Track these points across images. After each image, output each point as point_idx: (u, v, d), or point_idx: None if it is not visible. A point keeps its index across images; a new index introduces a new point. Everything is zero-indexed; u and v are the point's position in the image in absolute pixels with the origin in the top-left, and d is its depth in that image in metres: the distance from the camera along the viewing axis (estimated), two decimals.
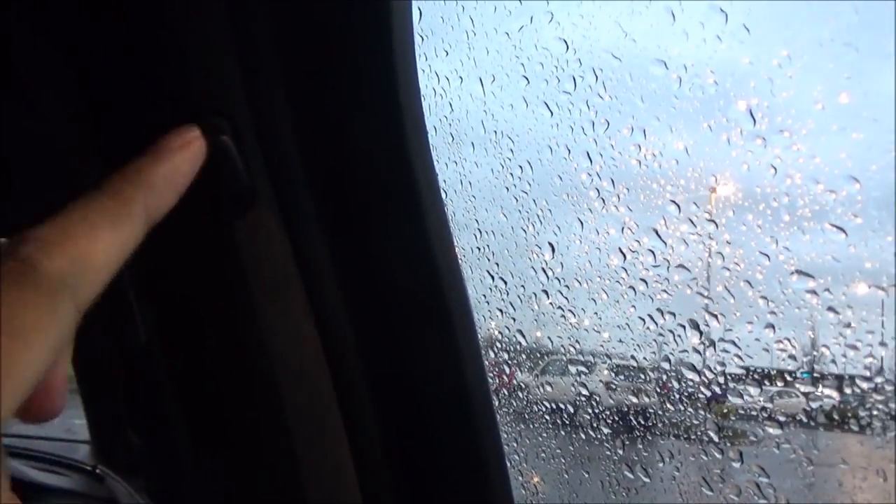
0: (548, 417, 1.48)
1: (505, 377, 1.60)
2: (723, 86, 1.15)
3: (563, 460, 1.35)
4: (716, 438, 1.47)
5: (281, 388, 0.69)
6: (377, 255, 0.73)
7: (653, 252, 1.33)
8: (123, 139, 0.62)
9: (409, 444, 0.76)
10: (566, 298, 1.40)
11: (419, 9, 0.99)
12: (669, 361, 1.53)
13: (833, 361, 1.60)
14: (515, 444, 1.38)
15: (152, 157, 0.44)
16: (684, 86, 1.14)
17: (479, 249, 1.37)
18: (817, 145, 1.15)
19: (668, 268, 1.30)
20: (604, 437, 1.36)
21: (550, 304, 1.41)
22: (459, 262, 0.80)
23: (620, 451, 1.25)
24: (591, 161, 1.26)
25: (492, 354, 1.56)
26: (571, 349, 1.50)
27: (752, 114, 1.14)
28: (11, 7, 0.63)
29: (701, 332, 1.51)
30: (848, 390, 1.50)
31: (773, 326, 1.41)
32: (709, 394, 1.67)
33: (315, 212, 0.70)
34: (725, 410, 1.66)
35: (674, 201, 1.27)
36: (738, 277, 1.44)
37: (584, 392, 1.51)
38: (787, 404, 1.85)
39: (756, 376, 1.76)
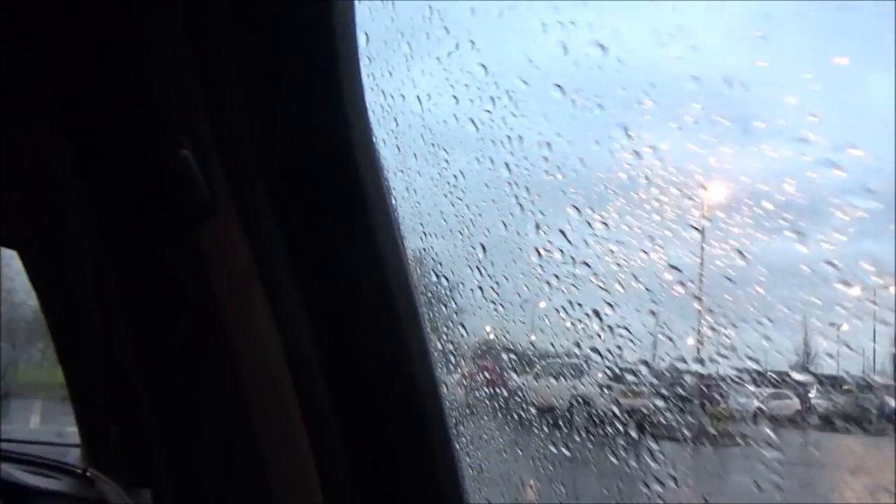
0: (541, 420, 1.49)
1: (498, 382, 1.62)
2: (608, 108, 1.32)
3: (556, 463, 1.36)
4: (708, 441, 1.48)
5: (245, 386, 0.73)
6: (332, 257, 0.77)
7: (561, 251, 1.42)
8: (94, 150, 0.67)
9: (364, 433, 0.79)
10: (496, 293, 1.53)
11: (366, 34, 1.10)
12: (665, 362, 1.55)
13: (826, 362, 1.61)
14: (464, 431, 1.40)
15: None
16: (577, 107, 1.31)
17: (425, 251, 1.49)
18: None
19: (574, 264, 1.43)
20: (597, 439, 1.37)
21: (484, 298, 1.52)
22: (407, 263, 0.85)
23: (613, 454, 1.26)
24: (510, 171, 1.40)
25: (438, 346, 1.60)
26: (504, 339, 1.61)
27: (627, 132, 1.31)
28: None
29: (699, 334, 1.52)
30: (840, 391, 1.51)
31: (766, 329, 1.41)
32: (702, 394, 1.68)
33: (274, 219, 0.75)
34: (719, 412, 1.67)
35: (575, 206, 1.39)
36: (726, 277, 1.46)
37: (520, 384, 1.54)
38: (780, 406, 1.86)
39: (750, 377, 1.77)
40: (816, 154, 1.14)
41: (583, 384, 1.54)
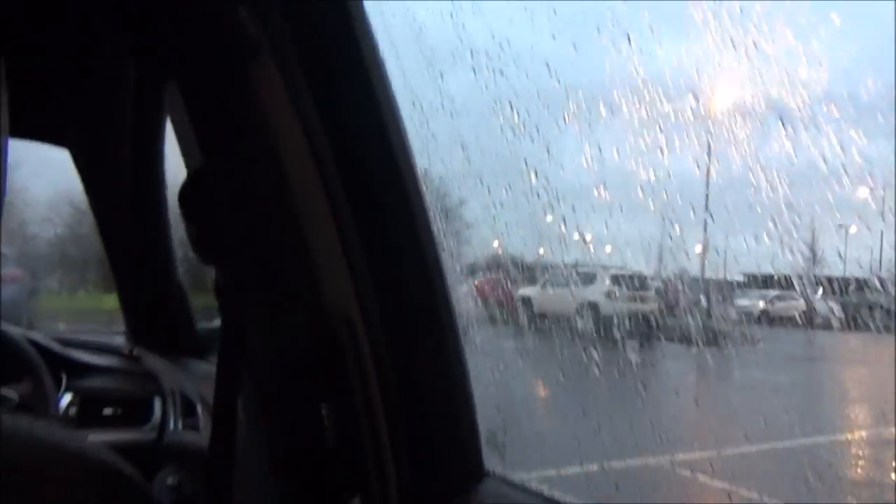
0: (550, 326, 1.52)
1: (506, 293, 1.64)
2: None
3: (563, 365, 1.40)
4: (717, 341, 1.51)
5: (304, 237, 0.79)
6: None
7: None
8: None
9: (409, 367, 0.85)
10: (503, 209, 1.49)
11: None
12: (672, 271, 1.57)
13: (833, 264, 1.63)
14: (517, 351, 1.43)
15: None
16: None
17: (430, 168, 1.45)
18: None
19: (578, 177, 1.39)
20: (605, 343, 1.40)
21: (492, 213, 1.49)
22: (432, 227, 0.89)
23: (621, 356, 1.29)
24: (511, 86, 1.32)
25: (494, 273, 1.61)
26: (512, 252, 1.60)
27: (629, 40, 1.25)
28: None
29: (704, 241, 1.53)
30: (844, 291, 1.53)
31: (773, 234, 1.42)
32: (708, 297, 1.70)
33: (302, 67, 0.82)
34: (725, 314, 1.70)
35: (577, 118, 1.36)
36: (737, 186, 1.45)
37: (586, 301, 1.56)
38: (786, 307, 1.88)
39: (757, 282, 1.79)
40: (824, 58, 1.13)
41: (590, 292, 1.57)
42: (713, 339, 1.53)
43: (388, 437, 0.84)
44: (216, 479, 0.94)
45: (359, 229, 0.85)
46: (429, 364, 0.90)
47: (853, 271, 1.69)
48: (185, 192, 0.86)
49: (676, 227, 1.51)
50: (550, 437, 1.21)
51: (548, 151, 1.45)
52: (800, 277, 1.65)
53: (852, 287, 1.56)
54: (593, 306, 1.55)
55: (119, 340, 1.88)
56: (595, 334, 1.46)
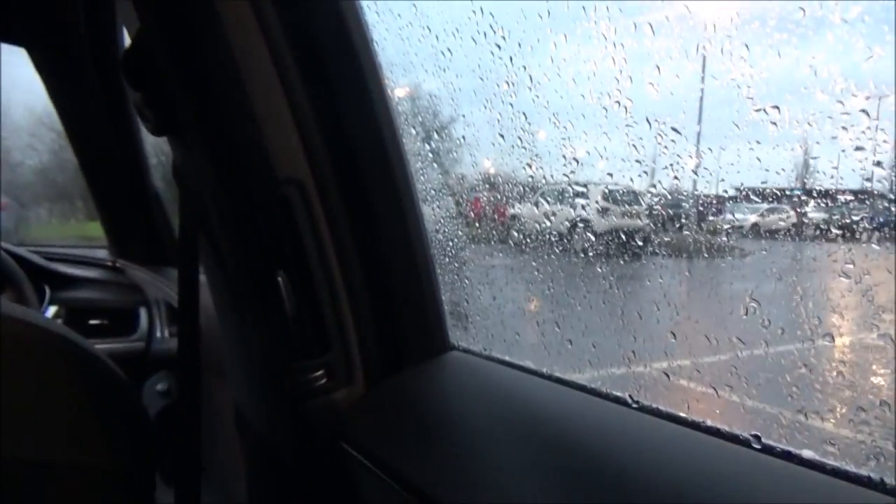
0: (542, 243, 1.53)
1: (498, 211, 1.64)
2: None
3: (556, 281, 1.42)
4: (705, 253, 1.52)
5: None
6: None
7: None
8: None
9: (380, 286, 0.87)
10: (495, 126, 1.47)
11: None
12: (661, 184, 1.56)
13: (824, 176, 1.62)
14: (513, 269, 1.45)
15: None
16: None
17: (419, 86, 1.43)
18: None
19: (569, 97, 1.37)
20: (596, 259, 1.41)
21: (482, 132, 1.48)
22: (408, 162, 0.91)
23: (612, 270, 1.31)
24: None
25: (486, 192, 1.61)
26: (504, 170, 1.61)
27: None
28: None
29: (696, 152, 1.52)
30: (835, 203, 1.53)
31: (765, 144, 1.41)
32: (700, 212, 1.70)
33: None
34: (716, 227, 1.71)
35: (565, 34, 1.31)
36: (731, 96, 1.44)
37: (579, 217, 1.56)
38: (776, 220, 1.88)
39: (748, 195, 1.79)
40: None
41: (581, 208, 1.57)
42: (703, 252, 1.54)
43: (349, 305, 0.86)
44: (186, 364, 0.97)
45: (309, 95, 0.83)
46: (389, 235, 0.91)
47: (844, 183, 1.69)
48: (128, 58, 0.83)
49: (669, 141, 1.50)
50: (534, 348, 1.23)
51: (528, 66, 1.43)
52: (791, 190, 1.65)
53: (843, 199, 1.56)
54: (585, 222, 1.55)
55: (101, 253, 1.89)
56: (586, 250, 1.47)
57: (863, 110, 1.21)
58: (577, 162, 1.57)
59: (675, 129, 1.41)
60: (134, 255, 1.96)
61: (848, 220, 1.52)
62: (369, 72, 0.92)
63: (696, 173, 1.68)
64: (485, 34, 1.32)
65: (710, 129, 1.49)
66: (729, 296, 1.16)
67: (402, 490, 0.85)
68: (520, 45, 1.33)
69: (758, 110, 1.34)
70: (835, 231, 1.52)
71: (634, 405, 0.80)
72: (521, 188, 1.92)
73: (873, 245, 1.34)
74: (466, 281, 1.37)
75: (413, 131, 1.23)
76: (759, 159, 1.33)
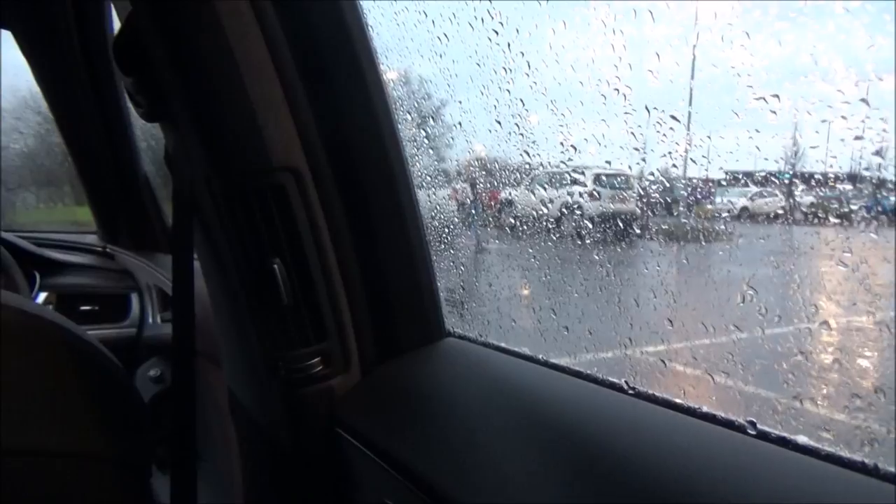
0: (534, 228, 1.54)
1: (490, 195, 1.65)
2: None
3: (548, 265, 1.43)
4: (697, 238, 1.53)
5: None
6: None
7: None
8: None
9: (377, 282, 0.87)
10: (488, 111, 1.46)
11: None
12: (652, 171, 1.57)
13: (815, 160, 1.63)
14: (504, 253, 1.45)
15: None
16: None
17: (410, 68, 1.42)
18: None
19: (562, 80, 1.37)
20: (588, 243, 1.42)
21: (476, 115, 1.47)
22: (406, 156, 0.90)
23: (602, 255, 1.32)
24: None
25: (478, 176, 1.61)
26: (496, 154, 1.61)
27: None
28: None
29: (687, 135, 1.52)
30: (825, 187, 1.54)
31: (756, 129, 1.42)
32: (690, 197, 1.72)
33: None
34: (706, 212, 1.72)
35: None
36: (722, 83, 1.44)
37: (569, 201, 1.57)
38: (766, 204, 1.90)
39: (738, 180, 1.80)
40: None
41: (573, 193, 1.58)
42: (694, 236, 1.55)
43: (345, 294, 0.86)
44: (181, 348, 0.97)
45: (304, 82, 0.82)
46: (385, 223, 0.91)
47: (834, 168, 1.70)
48: (119, 43, 0.81)
49: (661, 126, 1.50)
50: (526, 333, 1.25)
51: (522, 51, 1.43)
52: (780, 174, 1.66)
53: (832, 183, 1.57)
54: (576, 206, 1.56)
55: (91, 239, 1.86)
56: (577, 234, 1.48)
57: (862, 99, 1.22)
58: (575, 149, 1.57)
59: (673, 118, 1.41)
60: (123, 241, 1.94)
61: (838, 204, 1.54)
62: (365, 58, 0.92)
63: (685, 157, 1.69)
64: (482, 20, 1.32)
65: (710, 115, 1.50)
66: (719, 280, 1.18)
67: (397, 474, 0.85)
68: (518, 31, 1.33)
69: (758, 98, 1.35)
70: (825, 215, 1.54)
71: (630, 391, 0.80)
72: (515, 171, 1.93)
73: (862, 229, 1.35)
74: (462, 267, 1.38)
75: (408, 117, 1.22)
76: (758, 148, 1.34)
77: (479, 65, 1.40)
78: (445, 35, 1.35)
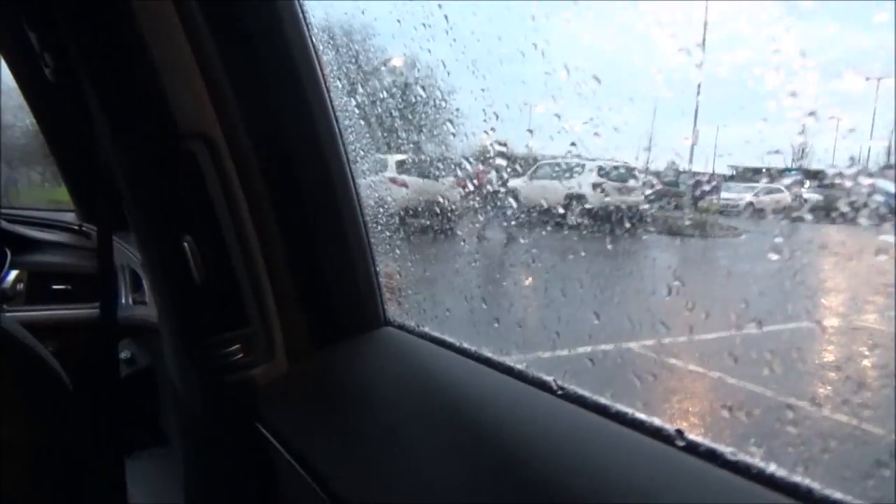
0: (536, 218, 1.53)
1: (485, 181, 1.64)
2: None
3: (545, 256, 1.42)
4: (701, 232, 1.53)
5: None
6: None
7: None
8: None
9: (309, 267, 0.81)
10: (491, 99, 1.41)
11: None
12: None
13: (822, 156, 1.62)
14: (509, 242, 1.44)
15: None
16: None
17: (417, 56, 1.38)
18: None
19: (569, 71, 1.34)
20: (590, 234, 1.41)
21: (480, 103, 1.41)
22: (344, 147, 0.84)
23: (608, 246, 1.31)
24: None
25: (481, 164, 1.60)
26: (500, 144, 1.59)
27: None
28: None
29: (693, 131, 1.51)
30: (831, 185, 1.53)
31: (763, 125, 1.40)
32: (696, 191, 1.71)
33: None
34: (712, 206, 1.71)
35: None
36: (729, 77, 1.43)
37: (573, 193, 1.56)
38: (772, 200, 1.89)
39: (745, 175, 1.79)
40: None
41: (577, 184, 1.57)
42: (697, 230, 1.55)
43: (268, 275, 0.79)
44: (101, 330, 0.92)
45: (217, 42, 0.74)
46: (315, 199, 0.84)
47: (842, 165, 1.68)
48: None
49: (667, 118, 1.49)
50: (527, 325, 1.24)
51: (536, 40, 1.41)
52: (787, 170, 1.65)
53: (839, 180, 1.56)
54: (579, 198, 1.55)
55: (70, 217, 1.83)
56: (580, 225, 1.47)
57: (866, 94, 1.20)
58: (575, 136, 1.56)
59: (668, 107, 1.40)
60: (100, 220, 1.91)
61: (844, 202, 1.52)
62: (288, 13, 0.83)
63: (691, 150, 1.68)
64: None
65: (709, 105, 1.48)
66: (722, 274, 1.17)
67: (312, 482, 0.78)
68: (533, 18, 1.31)
69: (763, 91, 1.34)
70: (830, 213, 1.52)
71: (559, 392, 0.75)
72: (519, 161, 1.91)
73: (867, 228, 1.34)
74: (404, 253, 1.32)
75: (339, 84, 1.10)
76: (763, 141, 1.32)
77: (487, 51, 1.39)
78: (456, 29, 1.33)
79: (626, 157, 1.55)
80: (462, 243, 1.38)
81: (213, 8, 0.77)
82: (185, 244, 0.81)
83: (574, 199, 1.56)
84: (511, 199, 1.49)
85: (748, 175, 1.66)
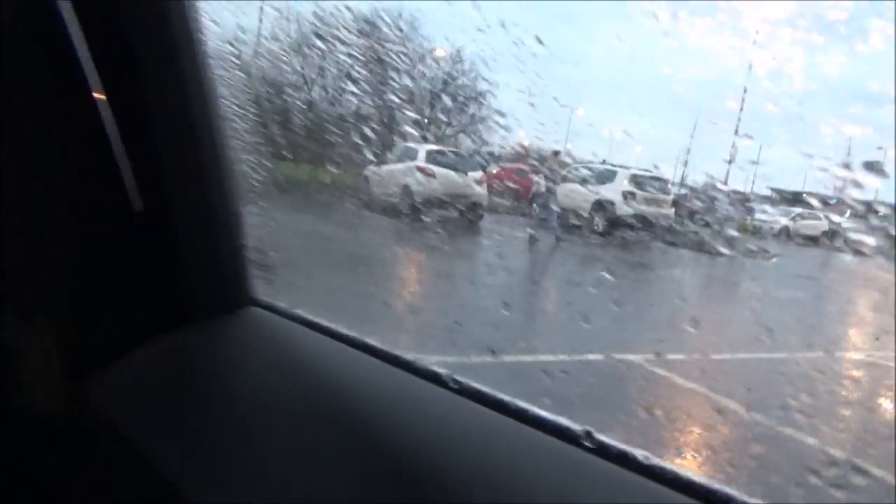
0: (563, 221, 1.52)
1: (523, 184, 1.62)
2: None
3: (574, 259, 1.40)
4: (729, 251, 1.49)
5: None
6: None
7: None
8: None
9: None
10: (533, 99, 1.36)
11: None
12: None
13: (866, 187, 1.56)
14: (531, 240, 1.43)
15: None
16: None
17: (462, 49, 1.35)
18: None
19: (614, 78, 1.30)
20: (615, 243, 1.39)
21: (522, 101, 1.34)
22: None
23: (629, 257, 1.29)
24: None
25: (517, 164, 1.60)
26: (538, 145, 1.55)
27: None
28: None
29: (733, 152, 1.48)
30: (871, 217, 1.48)
31: (805, 150, 1.36)
32: (734, 210, 1.66)
33: None
34: (745, 226, 1.67)
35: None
36: (775, 97, 1.39)
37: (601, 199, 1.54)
38: (808, 226, 1.84)
39: (784, 198, 1.74)
40: None
41: (607, 190, 1.55)
42: (727, 248, 1.50)
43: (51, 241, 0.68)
44: None
45: None
46: (166, 144, 0.74)
47: (886, 197, 1.63)
48: None
49: (708, 133, 1.46)
50: (533, 329, 1.23)
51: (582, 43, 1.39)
52: (828, 197, 1.60)
53: (881, 212, 1.51)
54: (609, 204, 1.53)
55: None
56: (606, 233, 1.45)
57: None
58: (613, 143, 1.54)
59: (710, 121, 1.37)
60: None
61: (882, 234, 1.47)
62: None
63: (728, 167, 1.64)
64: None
65: (752, 123, 1.44)
66: (744, 296, 1.14)
67: (159, 487, 0.69)
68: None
69: (801, 109, 1.29)
70: (867, 244, 1.48)
71: (454, 386, 0.68)
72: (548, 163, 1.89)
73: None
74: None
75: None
76: (808, 168, 1.28)
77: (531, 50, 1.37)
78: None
79: (664, 168, 1.52)
80: (482, 239, 1.37)
81: None
82: None
83: (602, 205, 1.54)
84: (538, 201, 1.48)
85: (787, 199, 1.62)
